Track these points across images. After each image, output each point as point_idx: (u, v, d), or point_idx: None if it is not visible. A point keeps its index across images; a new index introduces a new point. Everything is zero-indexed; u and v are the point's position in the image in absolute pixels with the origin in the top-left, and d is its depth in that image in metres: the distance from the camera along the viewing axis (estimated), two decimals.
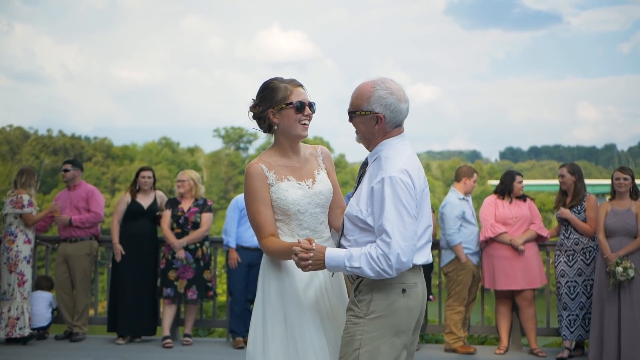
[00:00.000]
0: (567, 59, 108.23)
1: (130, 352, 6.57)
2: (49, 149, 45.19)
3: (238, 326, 6.76)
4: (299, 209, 2.99)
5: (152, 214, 7.03)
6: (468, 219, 6.60)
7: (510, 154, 69.99)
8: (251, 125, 3.09)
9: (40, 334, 6.97)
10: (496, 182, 7.48)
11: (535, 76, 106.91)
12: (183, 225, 6.83)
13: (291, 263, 2.92)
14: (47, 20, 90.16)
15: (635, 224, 5.97)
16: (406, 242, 2.66)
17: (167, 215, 6.88)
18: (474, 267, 6.63)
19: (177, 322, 7.15)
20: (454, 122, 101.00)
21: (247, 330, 3.07)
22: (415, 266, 2.79)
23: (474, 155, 67.49)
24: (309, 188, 3.04)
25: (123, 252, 6.91)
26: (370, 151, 2.90)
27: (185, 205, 6.91)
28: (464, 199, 6.66)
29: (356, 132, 2.91)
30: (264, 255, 3.05)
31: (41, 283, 7.19)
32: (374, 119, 2.82)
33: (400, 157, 2.78)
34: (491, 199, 6.73)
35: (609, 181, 6.43)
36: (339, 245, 2.90)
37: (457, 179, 6.79)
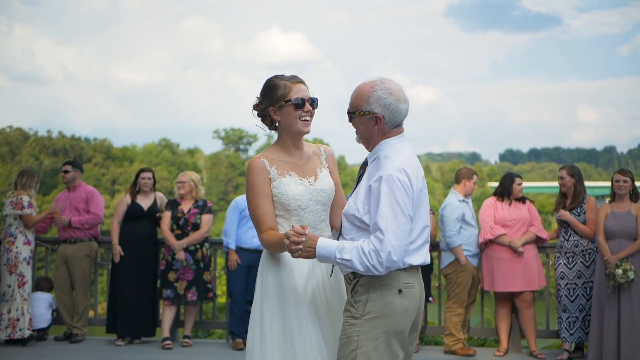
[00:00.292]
0: (567, 61, 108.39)
1: (130, 353, 6.57)
2: (48, 150, 45.20)
3: (238, 328, 6.76)
4: (299, 205, 3.01)
5: (152, 215, 7.04)
6: (468, 221, 6.61)
7: (510, 156, 70.02)
8: (254, 124, 3.13)
9: (40, 335, 6.96)
10: (496, 184, 7.48)
11: (535, 78, 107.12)
12: (183, 226, 6.83)
13: (290, 258, 2.95)
14: (47, 21, 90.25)
15: (635, 227, 5.98)
16: (398, 241, 2.66)
17: (167, 216, 6.89)
18: (473, 269, 6.64)
19: (177, 323, 7.15)
20: (453, 124, 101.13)
21: (247, 332, 3.07)
22: (412, 267, 2.79)
23: (474, 157, 67.50)
24: (310, 185, 3.06)
25: (122, 253, 6.91)
26: (370, 151, 2.91)
27: (185, 206, 6.91)
28: (464, 201, 6.67)
29: (356, 133, 2.92)
30: (264, 251, 3.08)
31: (41, 284, 7.19)
32: (373, 119, 2.82)
33: (399, 156, 2.78)
34: (490, 201, 6.73)
35: (608, 183, 6.43)
36: None
37: (457, 181, 6.80)
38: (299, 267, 2.96)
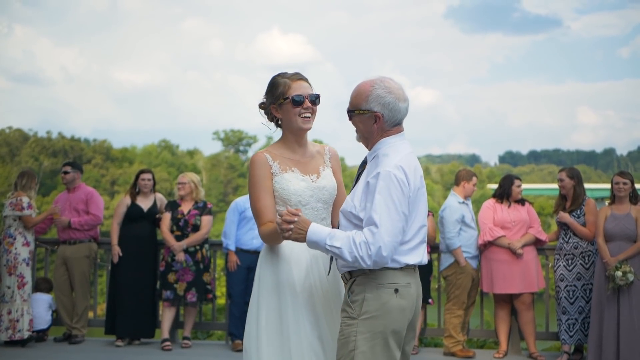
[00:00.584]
0: (566, 63, 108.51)
1: (129, 354, 6.57)
2: (48, 151, 45.21)
3: (237, 329, 6.75)
4: (300, 200, 3.02)
5: (151, 217, 7.04)
6: (468, 223, 6.61)
7: (510, 158, 70.07)
8: (261, 122, 3.17)
9: (39, 336, 6.96)
10: (495, 186, 7.48)
11: (535, 80, 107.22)
12: (183, 227, 6.83)
13: (288, 254, 2.97)
14: (47, 22, 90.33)
15: (635, 229, 5.98)
16: (390, 238, 2.66)
17: (167, 217, 6.89)
18: (473, 271, 6.64)
19: (176, 324, 7.15)
20: (453, 125, 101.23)
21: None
22: (408, 266, 2.79)
23: (474, 159, 67.56)
24: (312, 182, 3.07)
25: (120, 254, 6.91)
26: (369, 150, 2.92)
27: (185, 207, 6.92)
28: (463, 202, 6.67)
29: (356, 131, 2.93)
30: (263, 246, 3.11)
31: (40, 285, 7.19)
32: (372, 118, 2.83)
33: (397, 154, 2.79)
34: (490, 202, 6.73)
35: (608, 185, 6.44)
36: None
37: (457, 182, 6.80)
38: (297, 263, 2.98)
